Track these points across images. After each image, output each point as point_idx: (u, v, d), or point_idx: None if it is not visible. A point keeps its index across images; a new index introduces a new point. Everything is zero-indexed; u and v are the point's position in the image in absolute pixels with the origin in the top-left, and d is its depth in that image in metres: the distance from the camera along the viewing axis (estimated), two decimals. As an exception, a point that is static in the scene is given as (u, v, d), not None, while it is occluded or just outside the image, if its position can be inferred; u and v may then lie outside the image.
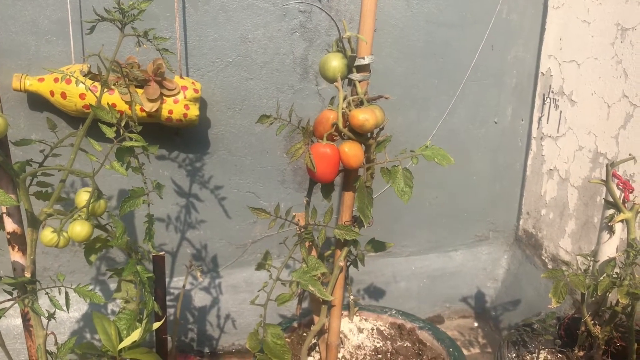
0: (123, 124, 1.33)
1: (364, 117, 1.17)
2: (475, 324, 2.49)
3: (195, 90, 1.91)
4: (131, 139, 1.33)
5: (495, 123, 2.43)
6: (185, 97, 1.89)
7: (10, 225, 1.31)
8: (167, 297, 2.15)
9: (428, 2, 2.19)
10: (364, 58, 1.21)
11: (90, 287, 1.38)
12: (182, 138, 2.09)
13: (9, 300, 1.28)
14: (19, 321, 1.96)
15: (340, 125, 1.20)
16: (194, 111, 1.91)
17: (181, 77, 1.94)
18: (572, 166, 2.21)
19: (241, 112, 2.13)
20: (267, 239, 2.30)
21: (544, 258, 2.39)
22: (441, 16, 2.22)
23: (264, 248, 2.30)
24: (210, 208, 2.21)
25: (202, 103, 2.06)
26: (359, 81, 1.23)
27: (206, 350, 2.25)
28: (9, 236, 1.32)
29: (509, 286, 2.50)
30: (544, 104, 2.37)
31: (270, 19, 2.06)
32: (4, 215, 1.30)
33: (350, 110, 1.20)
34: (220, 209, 2.23)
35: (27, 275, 1.30)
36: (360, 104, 1.22)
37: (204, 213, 2.21)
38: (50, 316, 1.34)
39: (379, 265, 2.45)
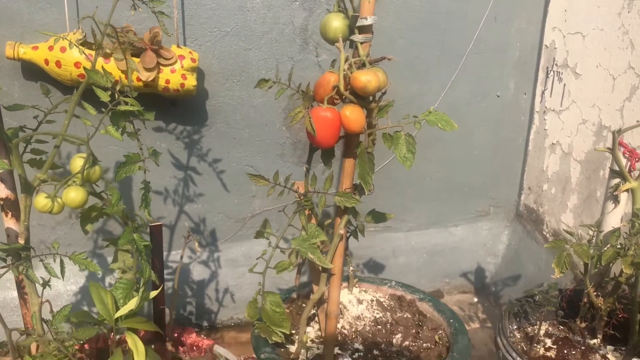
0: (118, 88, 1.30)
1: (366, 78, 1.13)
2: (475, 299, 2.48)
3: (193, 60, 1.87)
4: (126, 104, 1.30)
5: (498, 97, 2.39)
6: (182, 67, 1.85)
7: (3, 191, 1.28)
8: (165, 271, 2.14)
9: (431, -28, 2.14)
10: (366, 18, 1.17)
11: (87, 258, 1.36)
12: (180, 109, 2.05)
13: (2, 267, 1.26)
14: (16, 293, 1.95)
15: (342, 87, 1.16)
16: (191, 81, 1.88)
17: (178, 46, 1.90)
18: (575, 140, 2.18)
19: (240, 83, 2.09)
20: (266, 213, 2.27)
21: (545, 233, 2.37)
22: (444, -14, 2.17)
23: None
24: (209, 181, 2.18)
25: (199, 74, 2.02)
26: (361, 43, 1.19)
27: (205, 324, 2.24)
28: (2, 202, 1.29)
29: (509, 262, 2.49)
30: (547, 77, 2.33)
31: (269, -13, 2.01)
32: (-3, 180, 1.28)
33: (351, 73, 1.16)
34: (218, 182, 2.20)
35: (21, 241, 1.27)
36: (362, 66, 1.19)
37: (202, 186, 2.18)
38: (45, 284, 1.32)
39: (378, 240, 2.43)
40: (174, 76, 1.85)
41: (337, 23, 1.19)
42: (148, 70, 1.82)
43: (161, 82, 1.85)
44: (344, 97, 1.19)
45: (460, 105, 2.34)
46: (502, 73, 2.37)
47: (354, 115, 1.18)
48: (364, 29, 1.20)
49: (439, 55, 2.26)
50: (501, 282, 2.45)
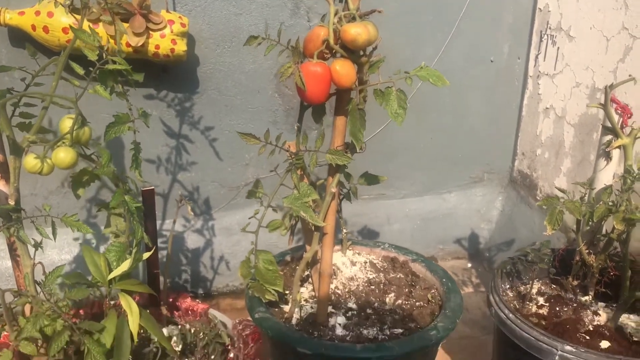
0: (106, 48, 1.28)
1: (356, 31, 1.12)
2: (469, 265, 2.50)
3: (183, 25, 1.85)
4: (115, 63, 1.28)
5: (492, 62, 2.37)
6: (172, 32, 1.83)
7: (-9, 152, 1.27)
8: (160, 240, 2.13)
9: None
10: (355, -29, 1.15)
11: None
12: (170, 76, 2.03)
13: (-6, 228, 1.26)
14: (10, 263, 1.94)
15: (332, 41, 1.15)
16: (181, 46, 1.86)
17: (167, 11, 1.88)
18: (568, 103, 2.18)
19: (230, 49, 2.07)
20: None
21: (538, 198, 2.38)
22: (437, -52, 2.14)
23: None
24: (201, 149, 2.17)
25: (190, 40, 2.00)
26: (351, -4, 1.18)
27: (200, 291, 2.25)
28: (-9, 164, 1.28)
29: (503, 227, 2.50)
30: (541, 41, 2.31)
31: (259, -50, 1.98)
32: (-15, 142, 1.26)
33: (341, 26, 1.15)
34: (211, 150, 2.19)
35: (11, 202, 1.26)
36: (352, 19, 1.17)
37: (195, 154, 2.17)
38: (37, 245, 1.31)
39: (373, 207, 2.43)
40: (164, 41, 1.83)
41: (326, -24, 1.17)
42: (137, 35, 1.80)
43: (151, 48, 1.83)
44: (334, 51, 1.17)
45: (454, 71, 2.32)
46: (496, 38, 2.35)
47: (344, 70, 1.17)
48: (354, -17, 1.18)
49: (432, 20, 2.23)
50: (495, 248, 2.46)
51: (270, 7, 2.06)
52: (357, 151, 1.28)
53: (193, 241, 2.24)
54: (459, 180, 2.53)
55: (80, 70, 1.26)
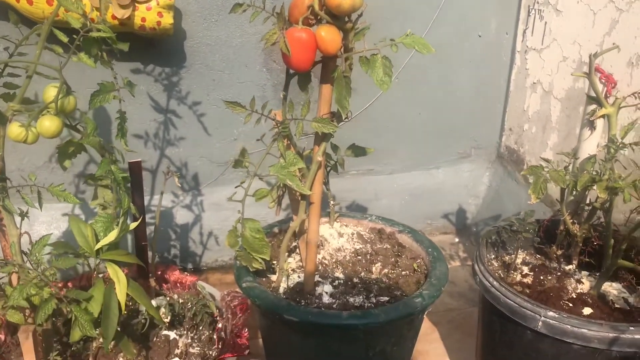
0: (91, 16, 1.27)
1: (341, -4, 1.12)
2: (456, 240, 2.52)
3: (169, -3, 1.83)
4: (99, 31, 1.27)
5: (479, 37, 2.37)
6: (158, 4, 1.81)
7: (-25, 121, 1.26)
8: (148, 215, 2.14)
9: None
10: (341, -64, 1.15)
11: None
12: (157, 49, 2.02)
13: (-22, 198, 1.25)
14: None
15: (317, 6, 1.15)
16: (167, 19, 1.84)
17: (153, -18, 1.86)
18: (555, 78, 2.18)
19: (217, 23, 2.06)
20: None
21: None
22: None
23: (245, 166, 2.27)
24: (189, 124, 2.17)
25: (176, 13, 1.98)
26: (337, -37, 1.17)
27: (189, 266, 2.26)
28: (-25, 133, 1.27)
29: (490, 202, 2.52)
30: (529, 15, 2.31)
31: None
32: (-31, 111, 1.25)
33: (326, -8, 1.14)
34: (199, 125, 2.18)
35: (-4, 172, 1.26)
36: (338, -14, 1.17)
37: (182, 130, 2.17)
38: (23, 215, 1.31)
39: (361, 182, 2.44)
40: (150, 14, 1.81)
41: (313, -59, 1.16)
42: (123, 7, 1.78)
43: (137, 21, 1.81)
44: (319, 17, 1.17)
45: (441, 46, 2.31)
46: (484, 13, 2.34)
47: (329, 36, 1.17)
48: (339, -52, 1.17)
49: (420, -6, 2.23)
50: (482, 223, 2.48)
51: (257, -20, 2.04)
52: (343, 119, 1.28)
53: (182, 216, 2.25)
54: (447, 155, 2.54)
55: (64, 38, 1.24)
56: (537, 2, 2.25)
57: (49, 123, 1.25)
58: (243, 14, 1.27)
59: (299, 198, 1.38)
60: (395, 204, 2.46)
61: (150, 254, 1.65)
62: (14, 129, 1.23)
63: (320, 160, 1.32)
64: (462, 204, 2.55)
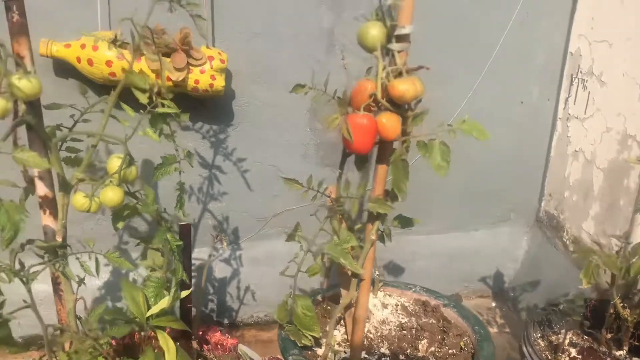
0: (156, 90, 1.32)
1: (404, 87, 1.15)
2: (493, 304, 2.49)
3: (222, 61, 1.89)
4: (164, 106, 1.32)
5: (521, 103, 2.39)
6: (211, 68, 1.87)
7: (42, 189, 1.30)
8: (188, 268, 2.16)
9: (459, -24, 2.14)
10: (404, 27, 1.18)
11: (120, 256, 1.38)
12: (207, 109, 2.07)
13: (40, 264, 1.29)
14: (42, 287, 1.97)
15: (379, 95, 1.18)
16: (220, 82, 1.90)
17: (208, 47, 1.92)
18: (598, 148, 2.18)
19: (266, 84, 2.11)
20: (287, 213, 2.29)
21: (565, 240, 2.37)
22: (472, -9, 2.17)
23: (285, 222, 2.30)
24: (233, 180, 2.21)
25: (227, 74, 2.04)
26: (398, 51, 1.20)
27: (225, 321, 2.26)
28: (40, 200, 1.31)
29: (529, 267, 2.49)
30: (571, 84, 2.32)
31: (298, -11, 2.02)
32: (36, 179, 1.30)
33: (389, 81, 1.17)
34: (242, 181, 2.22)
35: (59, 239, 1.29)
36: (398, 74, 1.20)
37: (226, 185, 2.21)
38: (81, 281, 1.34)
39: (399, 242, 2.42)
40: (203, 77, 1.87)
41: (375, 31, 1.20)
42: (178, 70, 1.84)
43: (190, 82, 1.87)
44: (380, 105, 1.20)
45: (483, 110, 2.34)
46: (527, 79, 2.37)
47: (390, 123, 1.19)
48: (402, 38, 1.21)
49: (464, 60, 2.26)
50: (520, 288, 2.45)
51: (305, 45, 2.10)
52: (399, 201, 1.29)
53: (220, 270, 2.27)
54: (486, 218, 2.53)
55: (131, 113, 1.29)
56: (581, 72, 2.26)
57: (112, 194, 1.29)
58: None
59: (350, 275, 1.39)
60: (432, 265, 2.45)
61: (193, 311, 1.67)
62: (79, 199, 1.27)
63: (373, 239, 1.33)
64: (500, 267, 2.53)
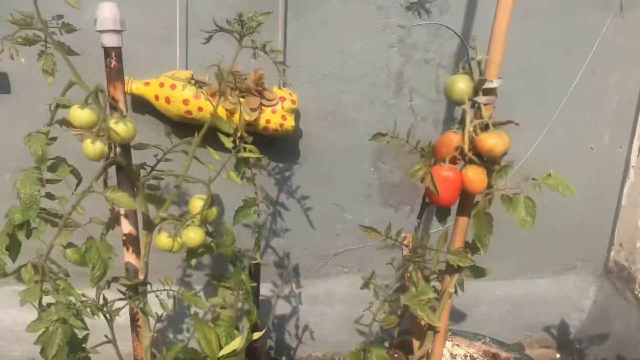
0: (239, 135, 1.35)
1: (493, 142, 1.14)
2: (558, 355, 2.40)
3: (293, 102, 1.92)
4: (245, 150, 1.35)
5: (592, 149, 2.33)
6: (283, 108, 1.90)
7: (127, 227, 1.34)
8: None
9: (532, 21, 2.12)
10: (492, 81, 1.18)
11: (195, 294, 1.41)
12: (275, 146, 2.10)
13: (121, 299, 1.32)
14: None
15: (466, 148, 1.17)
16: (290, 122, 1.93)
17: (280, 87, 1.96)
18: (675, 199, 2.10)
19: (333, 124, 2.13)
20: (349, 252, 2.29)
21: (636, 293, 2.28)
22: (545, 36, 2.15)
23: (345, 261, 2.29)
24: (296, 217, 2.22)
25: (295, 113, 2.07)
26: (485, 104, 1.20)
27: (283, 359, 2.25)
28: (124, 237, 1.35)
29: (596, 319, 2.39)
30: (646, 131, 2.26)
31: (368, 33, 2.05)
32: (122, 217, 1.34)
33: (476, 134, 1.17)
34: (305, 219, 2.23)
35: (141, 277, 1.33)
36: (485, 127, 1.19)
37: (289, 222, 2.22)
38: (159, 319, 1.37)
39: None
40: (275, 117, 1.90)
41: (462, 85, 1.20)
42: (252, 110, 1.88)
43: (262, 122, 1.90)
44: (466, 158, 1.19)
45: (552, 156, 2.29)
46: (598, 125, 2.31)
47: (476, 177, 1.18)
48: (488, 91, 1.21)
49: (535, 105, 2.23)
50: (586, 340, 2.36)
51: (374, 86, 2.11)
52: (481, 254, 1.27)
53: (280, 308, 2.27)
54: (551, 266, 2.46)
55: (217, 157, 1.32)
56: (656, 120, 2.20)
57: (193, 234, 1.32)
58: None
59: (426, 326, 1.36)
60: (495, 311, 2.39)
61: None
62: (163, 239, 1.30)
63: (452, 292, 1.31)
64: (565, 317, 2.44)
